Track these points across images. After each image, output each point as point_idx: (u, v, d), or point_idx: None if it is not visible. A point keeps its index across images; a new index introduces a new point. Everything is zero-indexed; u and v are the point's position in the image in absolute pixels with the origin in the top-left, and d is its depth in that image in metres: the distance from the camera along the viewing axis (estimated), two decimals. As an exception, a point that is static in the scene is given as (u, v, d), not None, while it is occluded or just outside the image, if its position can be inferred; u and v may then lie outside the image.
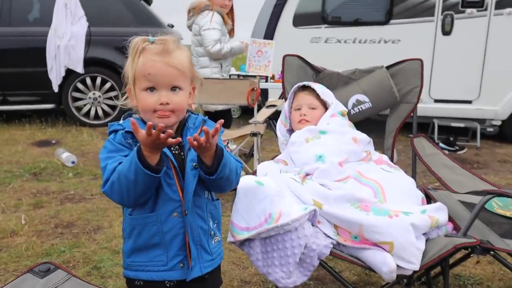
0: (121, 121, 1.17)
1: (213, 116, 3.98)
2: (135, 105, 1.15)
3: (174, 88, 1.11)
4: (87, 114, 5.75)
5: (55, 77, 5.47)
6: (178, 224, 1.13)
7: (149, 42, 1.11)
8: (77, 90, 5.68)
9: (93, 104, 5.73)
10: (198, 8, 3.82)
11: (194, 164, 1.13)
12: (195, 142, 1.03)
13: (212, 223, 1.20)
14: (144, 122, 1.14)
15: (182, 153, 1.15)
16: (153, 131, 0.98)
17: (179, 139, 1.05)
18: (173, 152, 1.14)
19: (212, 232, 1.20)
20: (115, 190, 1.06)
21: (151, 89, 1.10)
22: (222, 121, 1.09)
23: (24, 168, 3.83)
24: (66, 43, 5.40)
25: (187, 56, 1.15)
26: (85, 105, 5.73)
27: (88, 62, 5.51)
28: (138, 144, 1.03)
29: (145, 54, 1.10)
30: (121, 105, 1.20)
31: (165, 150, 1.09)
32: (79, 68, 5.45)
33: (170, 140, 1.01)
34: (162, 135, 0.98)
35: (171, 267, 1.14)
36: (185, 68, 1.13)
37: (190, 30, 4.01)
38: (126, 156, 1.08)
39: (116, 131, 1.14)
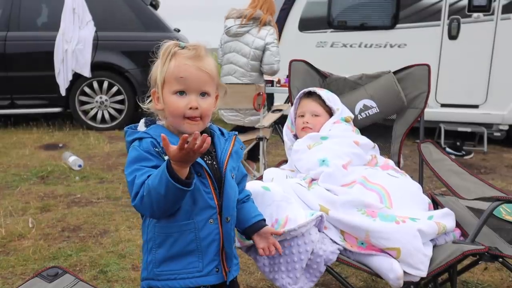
0: (143, 128, 1.16)
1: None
2: (160, 109, 1.15)
3: (203, 94, 1.14)
4: (94, 118, 5.79)
5: (63, 81, 5.53)
6: (215, 230, 1.15)
7: (180, 48, 1.13)
8: (84, 94, 5.72)
9: (100, 108, 5.77)
10: (263, 21, 3.56)
11: (232, 174, 1.19)
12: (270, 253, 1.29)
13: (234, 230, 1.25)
14: (169, 130, 1.16)
15: (214, 162, 1.17)
16: (187, 144, 0.97)
17: (209, 138, 1.00)
18: (207, 162, 1.15)
19: (235, 238, 1.26)
20: (145, 204, 1.05)
21: (181, 92, 1.12)
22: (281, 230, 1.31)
23: (31, 172, 3.86)
24: (73, 48, 5.46)
25: (214, 63, 1.18)
26: (92, 109, 5.77)
27: (95, 66, 5.56)
28: (168, 158, 1.02)
29: (177, 58, 1.12)
30: (145, 108, 1.20)
31: (199, 160, 1.10)
32: (86, 72, 5.50)
33: (204, 146, 0.99)
34: (197, 143, 0.97)
35: (207, 272, 1.15)
36: (214, 75, 1.16)
37: (229, 34, 3.62)
38: (153, 166, 1.07)
39: (141, 138, 1.12)
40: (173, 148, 0.98)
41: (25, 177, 3.73)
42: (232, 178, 1.19)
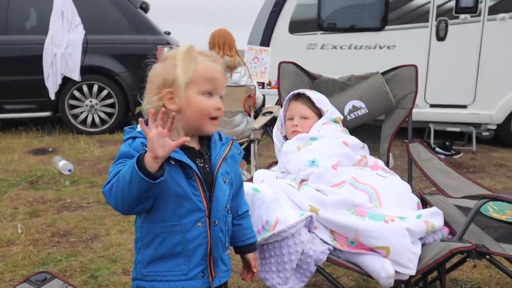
0: (139, 128, 1.17)
1: None
2: (175, 109, 1.13)
3: (221, 97, 1.19)
4: (83, 122, 5.75)
5: (52, 85, 5.49)
6: (202, 233, 1.14)
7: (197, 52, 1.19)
8: (73, 97, 5.69)
9: (89, 112, 5.73)
10: (233, 66, 3.59)
11: (224, 178, 1.19)
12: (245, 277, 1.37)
13: (227, 235, 1.23)
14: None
15: (206, 166, 1.18)
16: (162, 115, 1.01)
17: (186, 139, 1.04)
18: (198, 165, 1.16)
19: (227, 244, 1.24)
20: (113, 191, 1.06)
21: (208, 93, 1.16)
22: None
23: (20, 177, 3.82)
24: (63, 51, 5.42)
25: None
26: (81, 112, 5.73)
27: (85, 70, 5.53)
28: (143, 151, 1.04)
29: (202, 59, 1.16)
30: (147, 108, 1.18)
31: (189, 161, 1.11)
32: (76, 76, 5.46)
33: (180, 141, 1.02)
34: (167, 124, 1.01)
35: (192, 276, 1.15)
36: None
37: None
38: None
39: (134, 138, 1.14)
40: (152, 127, 1.01)
41: (14, 182, 3.70)
42: (225, 182, 1.19)
